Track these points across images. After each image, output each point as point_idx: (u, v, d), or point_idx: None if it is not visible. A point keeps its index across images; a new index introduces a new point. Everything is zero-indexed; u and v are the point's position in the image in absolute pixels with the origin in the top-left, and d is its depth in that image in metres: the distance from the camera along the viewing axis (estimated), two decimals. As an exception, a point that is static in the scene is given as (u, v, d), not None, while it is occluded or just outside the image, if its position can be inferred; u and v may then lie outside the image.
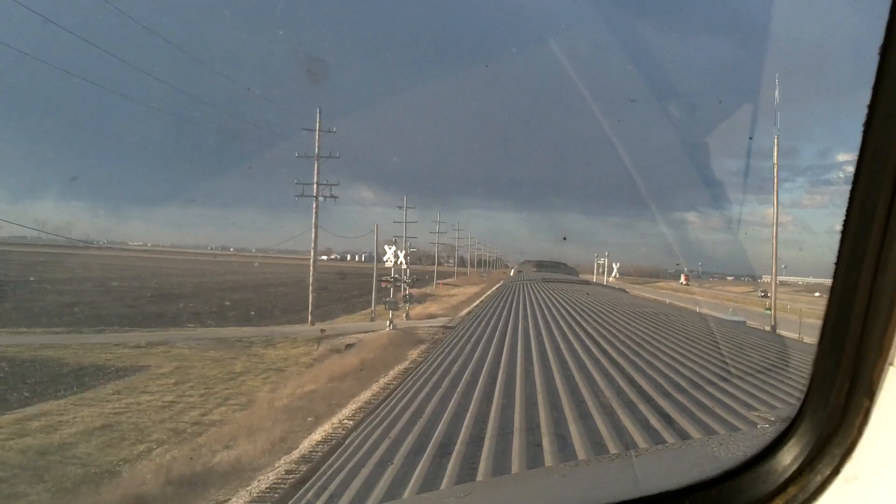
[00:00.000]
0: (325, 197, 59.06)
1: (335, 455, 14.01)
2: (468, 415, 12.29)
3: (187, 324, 51.43)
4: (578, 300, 41.51)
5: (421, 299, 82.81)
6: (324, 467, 13.31)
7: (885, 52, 1.88)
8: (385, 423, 13.56)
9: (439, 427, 11.73)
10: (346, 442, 14.94)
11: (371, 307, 63.05)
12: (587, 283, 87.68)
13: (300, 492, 12.32)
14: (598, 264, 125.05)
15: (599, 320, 28.40)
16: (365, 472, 10.08)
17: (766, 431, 2.70)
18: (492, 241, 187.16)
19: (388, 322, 52.09)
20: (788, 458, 2.28)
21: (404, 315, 61.34)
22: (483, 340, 22.60)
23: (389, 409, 15.48)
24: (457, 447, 10.28)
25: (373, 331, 50.30)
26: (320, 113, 57.59)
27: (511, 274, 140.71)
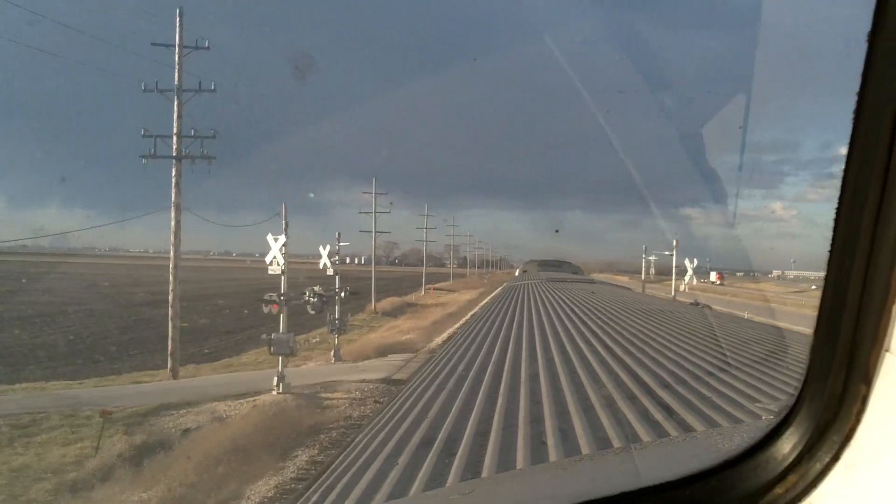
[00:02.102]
0: (192, 158, 35.81)
1: (343, 454, 14.02)
2: (473, 411, 12.31)
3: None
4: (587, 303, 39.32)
5: (397, 312, 67.52)
6: (332, 466, 13.34)
7: (872, 39, 1.89)
8: (392, 422, 13.59)
9: (445, 424, 11.76)
10: (354, 441, 14.95)
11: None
12: (592, 281, 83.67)
13: (308, 491, 12.35)
14: (650, 261, 77.62)
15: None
16: (372, 469, 10.11)
17: (766, 422, 2.71)
18: (495, 241, 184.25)
19: (276, 379, 28.88)
20: (787, 446, 2.29)
21: (332, 353, 39.80)
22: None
23: (396, 408, 15.50)
24: (462, 443, 10.31)
25: (243, 397, 28.41)
26: (181, 16, 35.95)
27: (516, 273, 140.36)
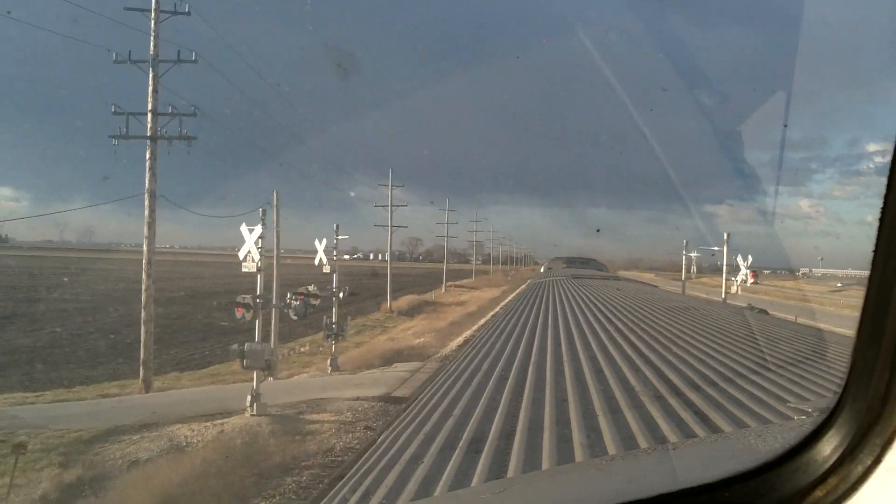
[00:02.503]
0: (168, 139, 32.54)
1: (368, 453, 14.07)
2: (499, 411, 12.31)
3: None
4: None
5: (414, 311, 62.83)
6: (357, 465, 13.39)
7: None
8: (417, 420, 13.62)
9: (470, 423, 11.76)
10: (379, 440, 14.99)
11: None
12: (617, 278, 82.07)
13: (334, 490, 12.41)
14: (691, 258, 70.25)
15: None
16: (397, 469, 10.14)
17: (805, 422, 2.68)
18: (521, 238, 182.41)
19: (249, 398, 24.34)
20: (828, 448, 2.27)
21: (329, 362, 34.98)
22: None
23: (420, 407, 15.53)
24: (488, 443, 10.31)
25: (212, 418, 24.08)
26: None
27: (541, 270, 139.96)
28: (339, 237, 41.93)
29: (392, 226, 68.33)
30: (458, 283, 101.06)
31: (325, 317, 35.31)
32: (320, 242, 39.89)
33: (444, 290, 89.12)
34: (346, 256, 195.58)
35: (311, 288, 30.51)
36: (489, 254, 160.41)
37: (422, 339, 44.06)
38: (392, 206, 68.51)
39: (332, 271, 38.96)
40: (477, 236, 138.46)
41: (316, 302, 30.48)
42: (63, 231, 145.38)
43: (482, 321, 46.70)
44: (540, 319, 26.44)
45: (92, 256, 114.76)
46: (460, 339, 41.04)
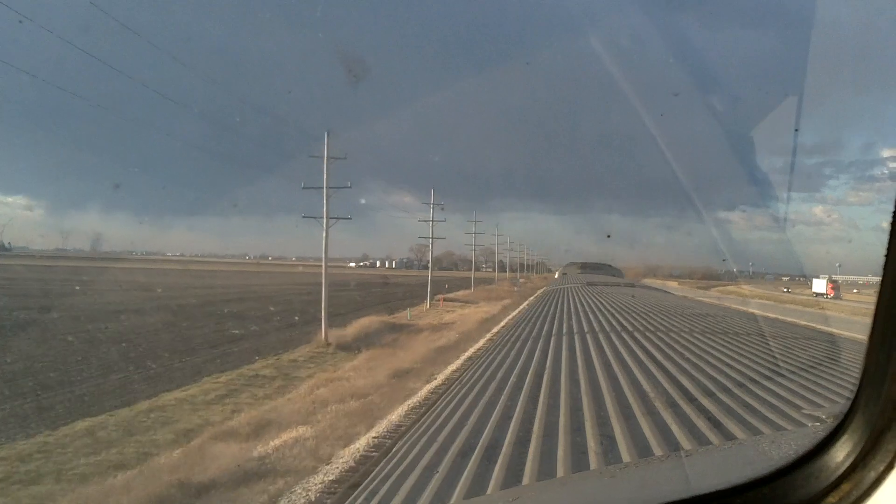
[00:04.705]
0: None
1: (383, 462, 14.08)
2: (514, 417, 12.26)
3: None
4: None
5: (367, 341, 43.69)
6: (373, 473, 13.40)
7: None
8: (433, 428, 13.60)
9: (486, 430, 11.73)
10: (394, 449, 14.99)
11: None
12: (632, 285, 79.45)
13: (349, 499, 12.42)
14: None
15: None
16: (413, 476, 10.12)
17: (818, 429, 2.67)
18: (533, 245, 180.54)
19: None
20: (841, 454, 2.26)
21: None
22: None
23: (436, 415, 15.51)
24: (503, 449, 10.28)
25: None
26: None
27: (556, 276, 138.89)
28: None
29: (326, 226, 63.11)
30: (450, 295, 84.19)
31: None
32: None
33: (426, 306, 72.90)
34: (352, 264, 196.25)
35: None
36: (501, 261, 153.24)
37: (305, 429, 23.19)
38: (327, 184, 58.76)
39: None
40: (488, 243, 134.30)
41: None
42: (67, 238, 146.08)
43: (456, 363, 33.71)
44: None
45: (122, 266, 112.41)
46: (395, 415, 24.76)
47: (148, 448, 22.03)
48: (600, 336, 21.83)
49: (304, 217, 48.99)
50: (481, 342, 39.46)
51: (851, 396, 2.31)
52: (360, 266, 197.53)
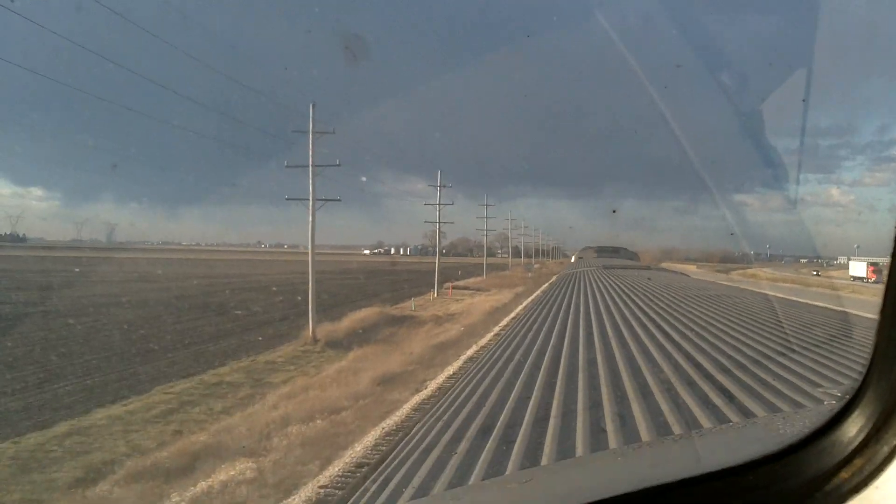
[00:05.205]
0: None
1: (401, 444, 14.18)
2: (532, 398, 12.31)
3: None
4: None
5: (364, 336, 38.66)
6: (391, 455, 13.51)
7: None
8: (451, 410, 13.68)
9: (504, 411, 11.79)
10: (413, 431, 15.09)
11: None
12: (648, 268, 78.55)
13: (367, 481, 12.54)
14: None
15: None
16: (432, 458, 10.20)
17: (831, 405, 2.65)
18: (549, 230, 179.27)
19: None
20: (853, 429, 2.24)
21: None
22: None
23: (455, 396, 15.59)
24: (522, 429, 10.34)
25: None
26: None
27: (572, 260, 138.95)
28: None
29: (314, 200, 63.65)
30: (460, 283, 79.43)
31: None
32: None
33: (433, 295, 68.04)
34: (367, 251, 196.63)
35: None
36: (516, 247, 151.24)
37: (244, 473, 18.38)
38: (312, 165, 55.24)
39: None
40: (503, 229, 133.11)
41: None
42: (82, 229, 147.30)
43: (461, 360, 30.16)
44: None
45: (130, 256, 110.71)
46: (372, 436, 20.25)
47: (37, 494, 17.58)
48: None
49: (287, 199, 45.90)
50: (487, 337, 35.30)
51: (863, 372, 2.29)
52: (375, 253, 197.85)
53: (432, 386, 25.87)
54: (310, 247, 45.00)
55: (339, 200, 45.78)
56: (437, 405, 16.69)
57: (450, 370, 28.32)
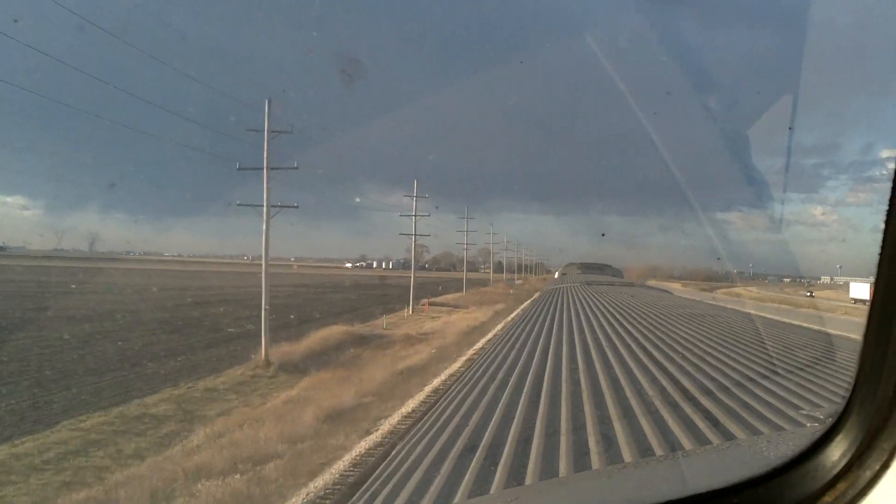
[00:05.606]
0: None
1: (385, 462, 14.06)
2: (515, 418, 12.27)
3: None
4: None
5: (325, 358, 36.00)
6: (375, 474, 13.39)
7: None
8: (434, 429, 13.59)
9: (488, 430, 11.73)
10: (395, 449, 14.97)
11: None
12: (632, 284, 79.12)
13: (352, 499, 12.42)
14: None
15: None
16: (417, 476, 10.12)
17: (815, 429, 2.67)
18: (532, 245, 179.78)
19: None
20: (837, 453, 2.26)
21: None
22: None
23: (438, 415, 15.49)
24: (506, 448, 10.30)
25: None
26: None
27: (555, 276, 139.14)
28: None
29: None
30: (438, 299, 75.84)
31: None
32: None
33: (408, 312, 64.74)
34: (349, 264, 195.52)
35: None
36: (500, 262, 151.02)
37: None
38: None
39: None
40: (485, 243, 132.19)
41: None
42: (64, 238, 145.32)
43: (408, 406, 25.30)
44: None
45: (108, 267, 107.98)
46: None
47: None
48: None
49: (238, 205, 39.93)
50: (459, 363, 32.01)
51: (847, 396, 2.32)
52: (357, 266, 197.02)
53: (385, 427, 22.53)
54: (263, 257, 39.98)
55: (296, 207, 40.96)
56: (416, 428, 16.55)
57: (409, 405, 25.21)
